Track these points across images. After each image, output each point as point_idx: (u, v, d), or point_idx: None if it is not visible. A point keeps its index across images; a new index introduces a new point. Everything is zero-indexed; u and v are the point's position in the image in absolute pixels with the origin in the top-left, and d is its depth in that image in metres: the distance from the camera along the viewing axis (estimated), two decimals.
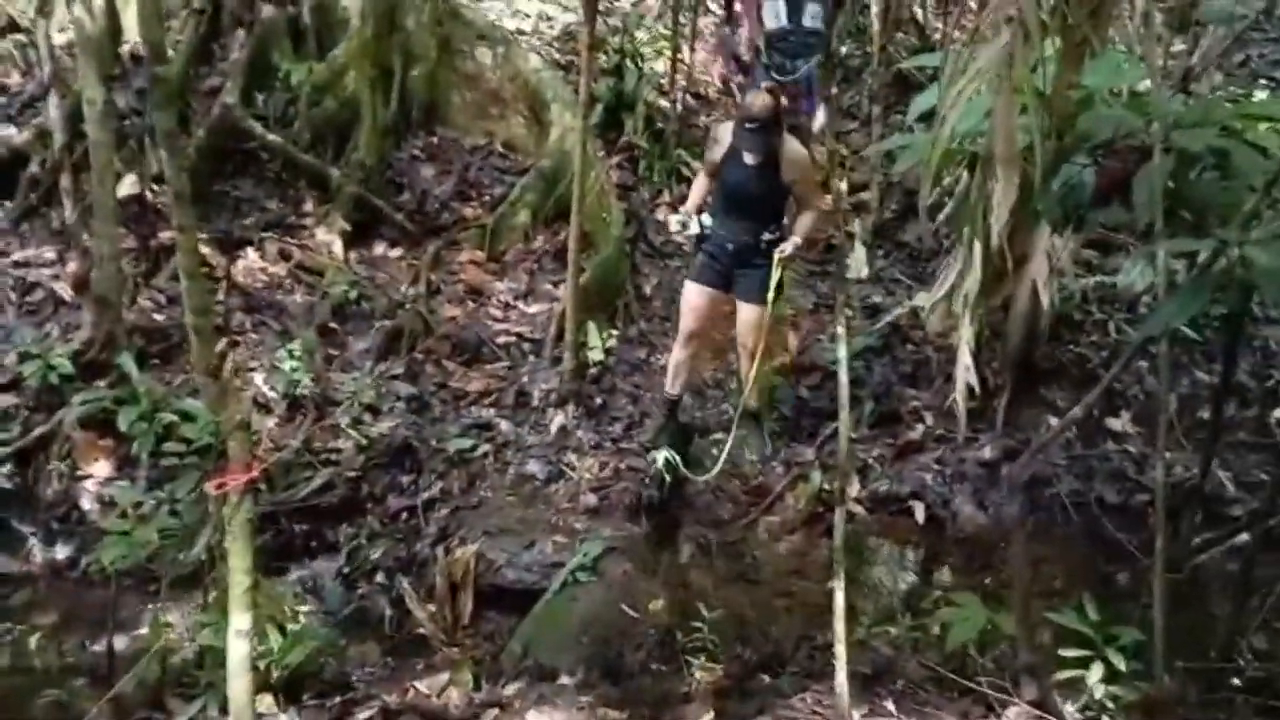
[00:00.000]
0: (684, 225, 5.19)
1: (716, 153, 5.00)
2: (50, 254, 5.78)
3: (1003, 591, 4.06)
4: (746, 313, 5.11)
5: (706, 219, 5.09)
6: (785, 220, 5.18)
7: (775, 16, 6.57)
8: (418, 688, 4.04)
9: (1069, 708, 3.56)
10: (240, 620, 2.66)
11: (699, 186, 5.25)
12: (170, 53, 6.55)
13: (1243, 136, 3.52)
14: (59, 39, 6.21)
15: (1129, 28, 5.20)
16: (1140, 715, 3.44)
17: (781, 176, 4.88)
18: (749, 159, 4.81)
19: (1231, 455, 5.38)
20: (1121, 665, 3.46)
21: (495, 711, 3.89)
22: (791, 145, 4.95)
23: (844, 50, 8.81)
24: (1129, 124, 3.59)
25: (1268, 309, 6.01)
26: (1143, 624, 3.50)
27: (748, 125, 4.73)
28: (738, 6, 6.95)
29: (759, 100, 4.82)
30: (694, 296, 5.14)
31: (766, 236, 4.96)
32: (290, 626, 3.94)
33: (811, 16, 6.52)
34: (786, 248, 4.86)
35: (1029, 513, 5.17)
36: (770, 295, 5.01)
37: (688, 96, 7.94)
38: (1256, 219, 3.21)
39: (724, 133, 4.98)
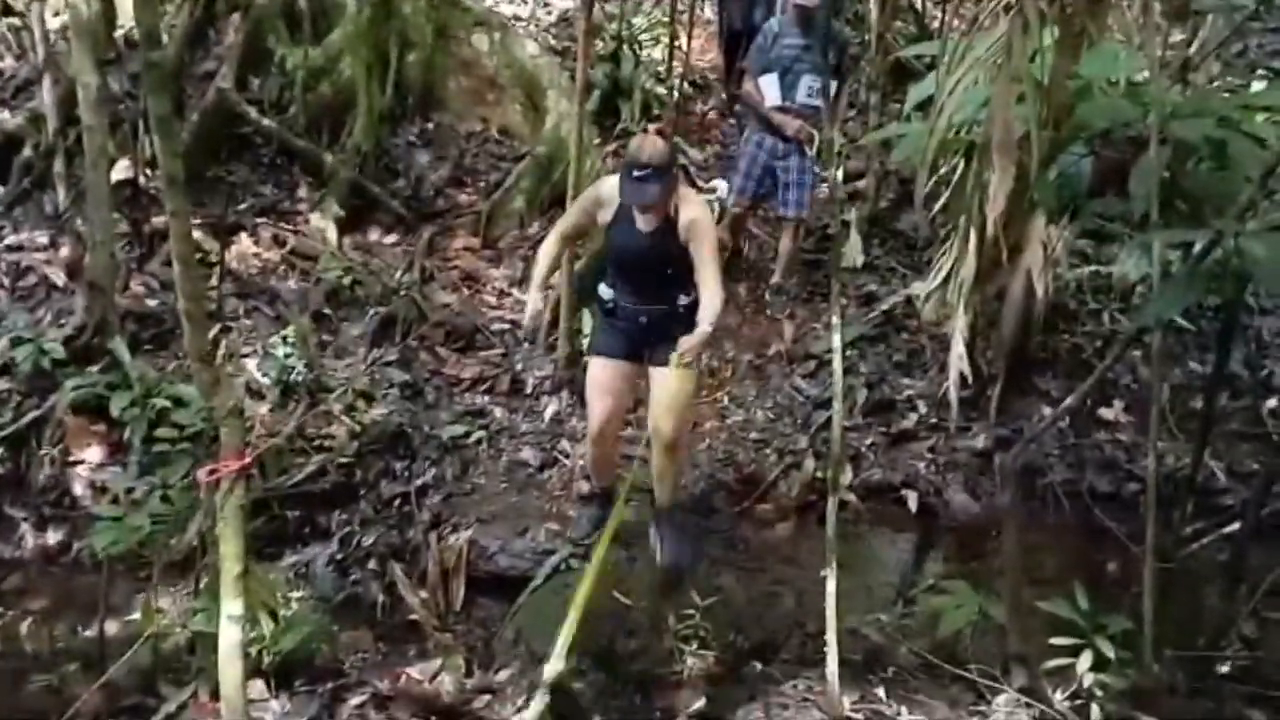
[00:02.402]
0: (533, 324, 4.24)
1: (603, 214, 4.03)
2: (43, 239, 5.77)
3: (994, 580, 4.06)
4: (665, 384, 4.10)
5: (605, 290, 4.18)
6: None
7: (771, 93, 6.11)
8: (410, 674, 4.05)
9: (1058, 695, 3.57)
10: (232, 606, 2.67)
11: (547, 254, 4.14)
12: (165, 37, 6.52)
13: (1240, 127, 3.51)
14: (53, 23, 6.18)
15: (1127, 17, 5.17)
16: (1129, 703, 3.46)
17: (679, 236, 3.90)
18: (640, 222, 3.91)
19: (1224, 445, 5.39)
20: (1111, 653, 3.48)
21: (487, 697, 3.90)
22: (690, 199, 3.95)
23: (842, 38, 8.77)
24: (1126, 114, 3.59)
25: (1261, 299, 6.03)
26: (1133, 613, 3.52)
27: (635, 173, 3.76)
28: (747, 84, 6.28)
29: (648, 142, 3.81)
30: (603, 375, 4.18)
31: (684, 300, 4.02)
32: (282, 612, 3.94)
33: (808, 93, 6.01)
34: (686, 344, 3.73)
35: (1021, 502, 5.16)
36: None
37: (685, 83, 7.91)
38: (1252, 210, 3.21)
39: (608, 190, 4.01)
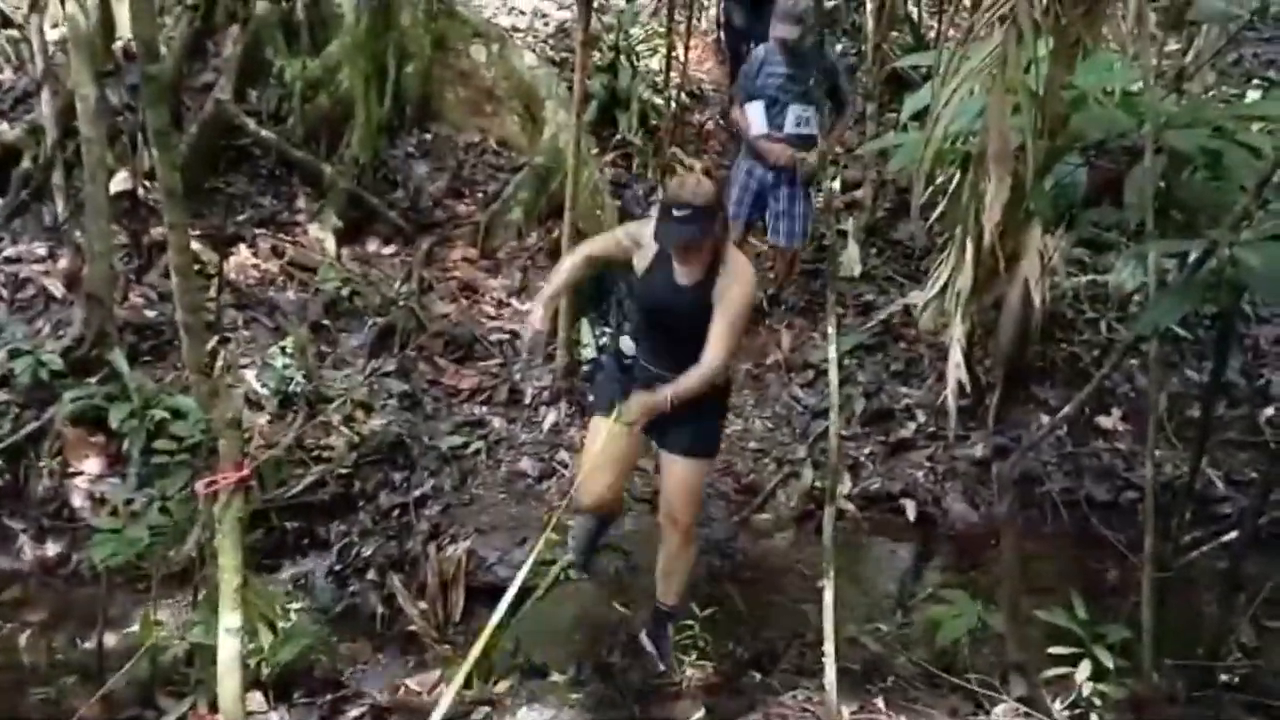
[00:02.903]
0: (533, 342, 3.94)
1: (639, 259, 3.67)
2: (42, 250, 5.77)
3: (993, 589, 4.06)
4: (680, 472, 3.76)
5: (628, 343, 3.87)
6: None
7: (756, 121, 5.90)
8: (409, 685, 4.04)
9: (1057, 705, 3.57)
10: (230, 618, 2.67)
11: (567, 272, 3.84)
12: (163, 49, 6.53)
13: (1235, 137, 3.53)
14: (52, 35, 6.19)
15: (1122, 28, 5.20)
16: (1128, 712, 3.46)
17: (713, 296, 3.49)
18: (680, 274, 3.54)
19: (1221, 454, 5.40)
20: (1109, 663, 3.48)
21: (486, 709, 3.89)
22: (739, 264, 3.57)
23: (839, 49, 8.82)
24: (1121, 124, 3.61)
25: (1258, 308, 6.04)
26: (1131, 621, 3.52)
27: (675, 212, 3.39)
28: (734, 112, 6.14)
29: (690, 180, 3.50)
30: (608, 441, 3.70)
31: None
32: (281, 624, 3.93)
33: (798, 122, 5.78)
34: (638, 401, 3.47)
35: (1019, 510, 5.16)
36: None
37: (683, 94, 7.94)
38: (1247, 219, 3.22)
39: (649, 235, 3.60)
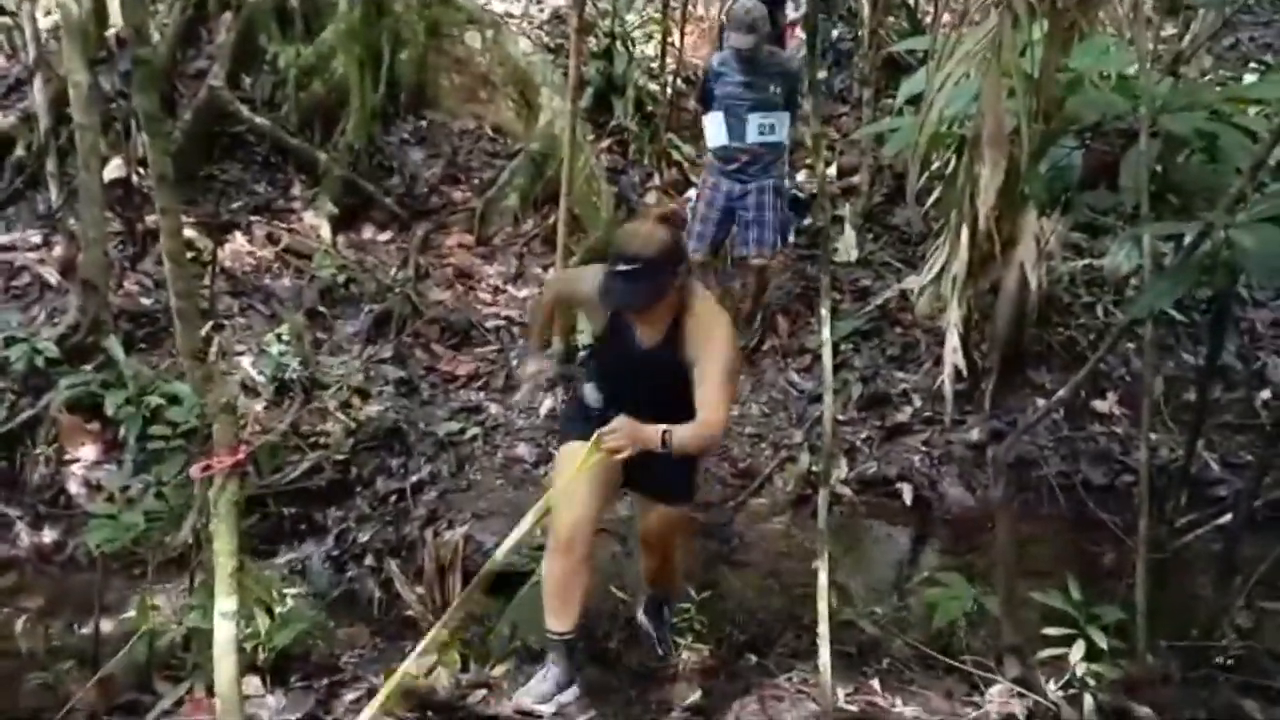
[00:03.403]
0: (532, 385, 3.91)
1: (590, 314, 3.36)
2: (36, 238, 5.77)
3: (988, 572, 4.07)
4: (660, 518, 3.57)
5: (592, 394, 3.41)
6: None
7: (716, 131, 5.62)
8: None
9: (1051, 685, 3.58)
10: (226, 603, 2.66)
11: (537, 318, 3.74)
12: (156, 36, 6.52)
13: (1231, 120, 3.52)
14: (44, 22, 6.18)
15: (1118, 11, 5.19)
16: (1122, 692, 3.47)
17: (685, 353, 3.08)
18: (640, 333, 3.15)
19: (1217, 436, 5.41)
20: (1104, 643, 3.48)
21: (483, 692, 3.90)
22: (705, 307, 3.13)
23: (834, 34, 8.80)
24: (1117, 107, 3.60)
25: (1254, 291, 6.04)
26: (1126, 603, 3.53)
27: (619, 266, 3.00)
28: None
29: (643, 230, 3.07)
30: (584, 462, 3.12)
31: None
32: (278, 609, 3.93)
33: (760, 130, 5.51)
34: (622, 427, 2.97)
35: (1015, 494, 5.18)
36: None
37: (678, 80, 7.92)
38: (1243, 201, 3.22)
39: (590, 287, 3.17)
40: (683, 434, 2.99)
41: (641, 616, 4.06)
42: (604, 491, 3.37)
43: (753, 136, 5.55)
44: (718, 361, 3.03)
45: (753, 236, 5.69)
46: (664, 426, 2.98)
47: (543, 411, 5.52)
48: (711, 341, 3.05)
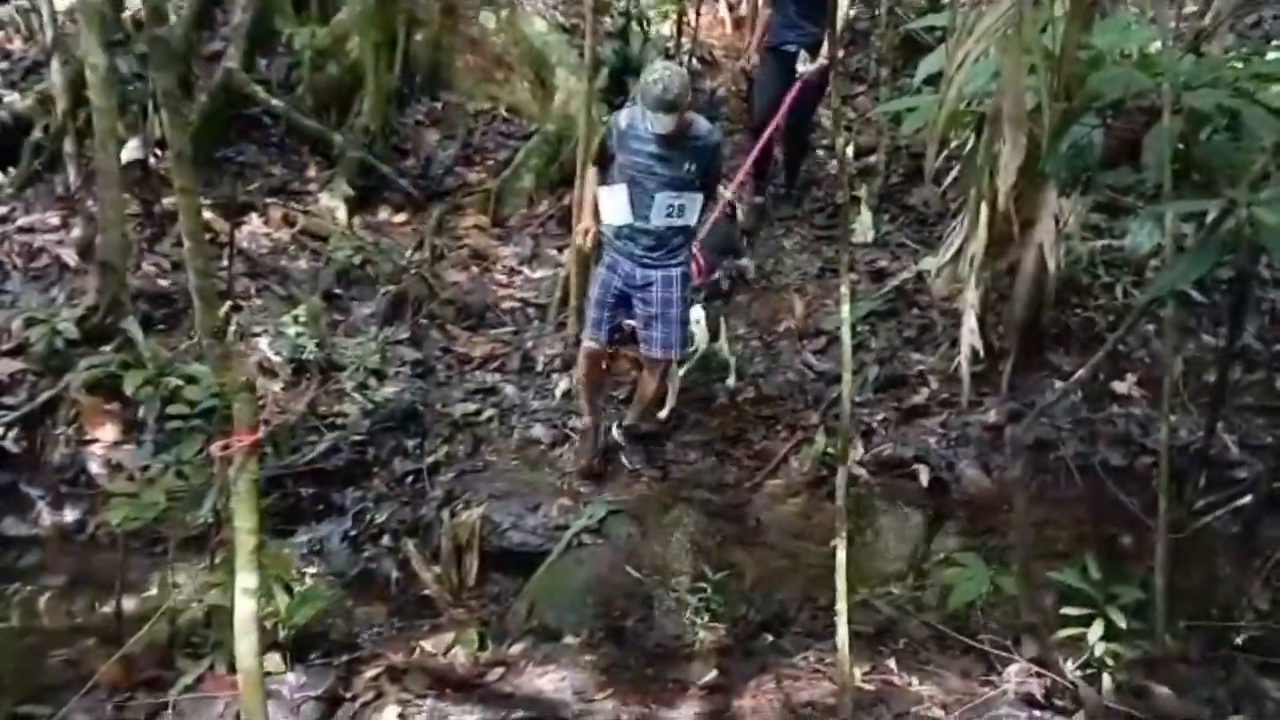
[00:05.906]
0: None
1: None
2: (54, 219, 5.79)
3: (1006, 552, 4.06)
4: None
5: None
6: None
7: (615, 208, 4.60)
8: (424, 647, 4.09)
9: (1069, 665, 3.58)
10: (246, 579, 2.68)
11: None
12: (173, 17, 6.53)
13: (1253, 97, 3.48)
14: (61, 4, 6.19)
15: None
16: (1141, 672, 3.47)
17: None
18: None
19: (1237, 418, 5.35)
20: (1122, 623, 3.48)
21: (500, 670, 3.93)
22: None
23: (852, 14, 8.72)
24: (1138, 84, 3.56)
25: (1275, 271, 5.98)
26: (1145, 584, 3.53)
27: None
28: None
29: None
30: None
31: None
32: (297, 587, 3.98)
33: (668, 211, 4.50)
34: None
35: (1033, 475, 5.17)
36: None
37: (694, 59, 7.88)
38: (1266, 179, 3.19)
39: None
40: None
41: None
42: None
43: (658, 219, 4.54)
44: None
45: (657, 337, 4.74)
46: None
47: (558, 393, 5.52)
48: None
